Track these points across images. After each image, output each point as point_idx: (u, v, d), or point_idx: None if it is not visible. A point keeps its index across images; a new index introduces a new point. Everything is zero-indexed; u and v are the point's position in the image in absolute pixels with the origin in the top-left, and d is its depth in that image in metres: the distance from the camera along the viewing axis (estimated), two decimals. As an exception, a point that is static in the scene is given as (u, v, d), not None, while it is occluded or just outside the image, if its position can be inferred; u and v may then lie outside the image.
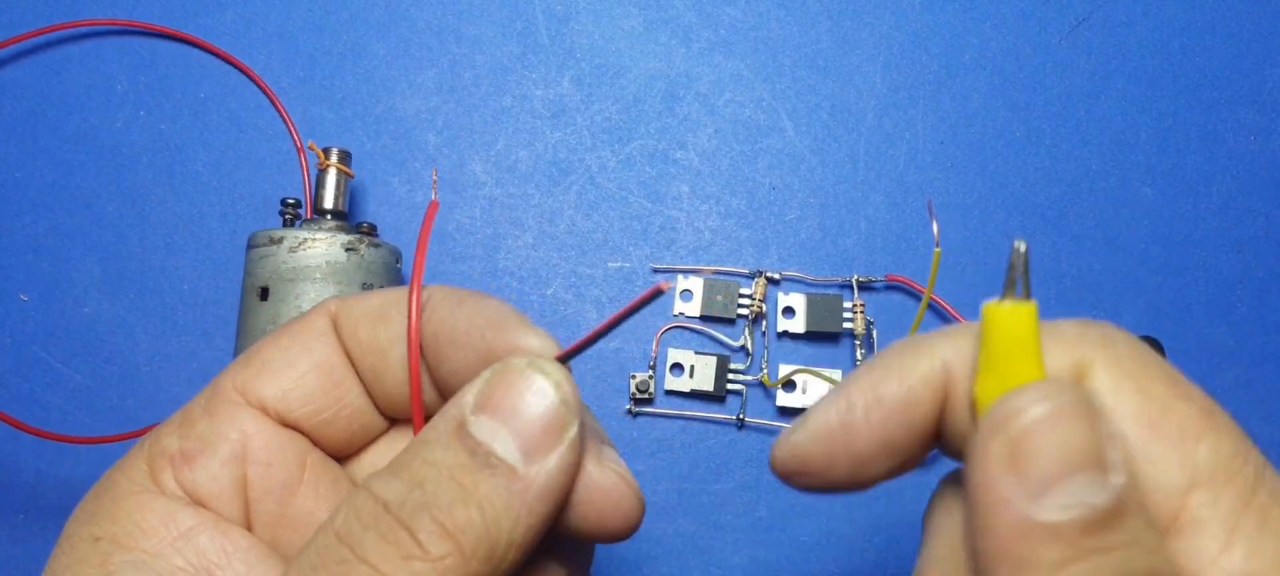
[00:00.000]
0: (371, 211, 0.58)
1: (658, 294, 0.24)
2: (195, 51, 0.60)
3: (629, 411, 0.55)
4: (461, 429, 0.24)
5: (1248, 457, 0.20)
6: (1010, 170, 0.59)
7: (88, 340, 0.56)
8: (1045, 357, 0.21)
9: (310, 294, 0.49)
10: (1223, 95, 0.60)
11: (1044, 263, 0.58)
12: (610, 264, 0.58)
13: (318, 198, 0.53)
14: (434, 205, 0.28)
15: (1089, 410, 0.20)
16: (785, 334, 0.56)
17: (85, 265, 0.57)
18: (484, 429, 0.24)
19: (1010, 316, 0.21)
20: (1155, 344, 0.55)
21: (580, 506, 0.26)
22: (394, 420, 0.30)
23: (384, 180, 0.58)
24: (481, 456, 0.23)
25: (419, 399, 0.27)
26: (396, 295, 0.28)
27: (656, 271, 0.58)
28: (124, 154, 0.58)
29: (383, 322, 0.28)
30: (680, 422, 0.56)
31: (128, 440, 0.51)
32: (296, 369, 0.27)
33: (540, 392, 0.24)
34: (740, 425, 0.56)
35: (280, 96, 0.59)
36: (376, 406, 0.29)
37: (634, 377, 0.55)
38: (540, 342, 0.26)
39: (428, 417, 0.26)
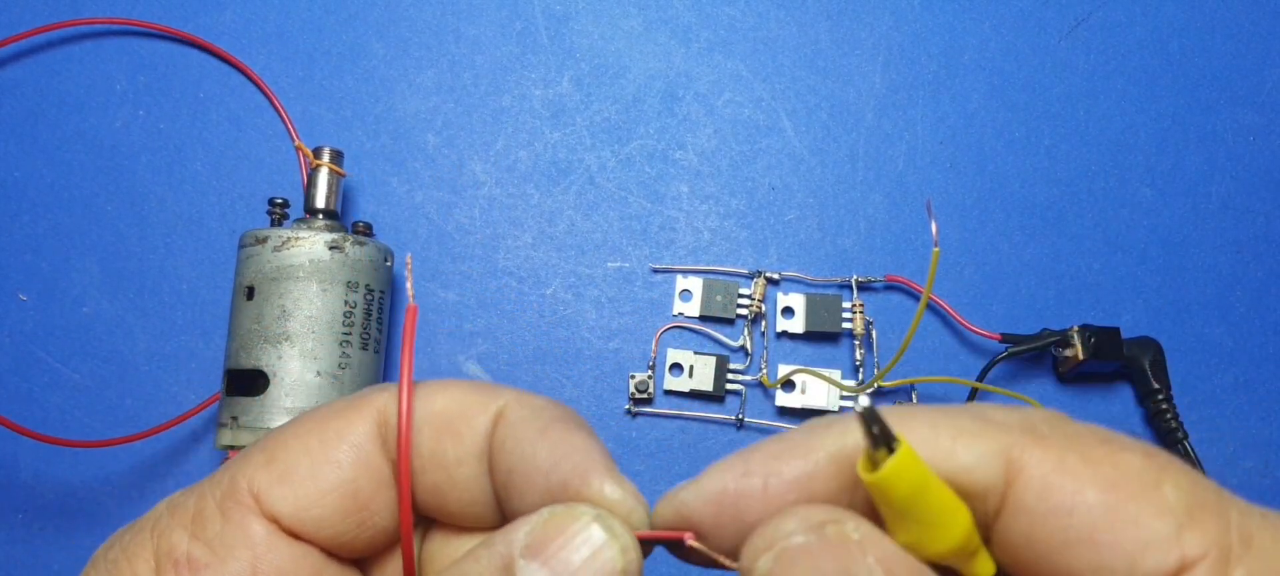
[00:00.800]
0: (370, 210, 0.58)
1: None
2: (195, 51, 0.60)
3: (628, 411, 0.55)
4: (508, 570, 0.22)
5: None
6: (1010, 170, 0.59)
7: (87, 340, 0.56)
8: (976, 458, 0.21)
9: (294, 293, 0.49)
10: (1222, 95, 0.60)
11: (1044, 262, 0.58)
12: (609, 264, 0.58)
13: (309, 197, 0.53)
14: (412, 310, 0.24)
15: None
16: (784, 334, 0.56)
17: (84, 265, 0.57)
18: None
19: (894, 475, 0.20)
20: (1154, 344, 0.55)
21: None
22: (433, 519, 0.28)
23: (383, 180, 0.58)
24: None
25: (410, 549, 0.25)
26: (468, 398, 0.25)
27: (656, 271, 0.58)
28: (123, 154, 0.58)
29: (451, 436, 0.25)
30: (679, 422, 0.56)
31: (123, 443, 0.51)
32: (318, 484, 0.25)
33: (602, 555, 0.22)
34: (739, 425, 0.56)
35: (279, 96, 0.59)
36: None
37: (633, 377, 0.55)
38: (624, 497, 0.23)
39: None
